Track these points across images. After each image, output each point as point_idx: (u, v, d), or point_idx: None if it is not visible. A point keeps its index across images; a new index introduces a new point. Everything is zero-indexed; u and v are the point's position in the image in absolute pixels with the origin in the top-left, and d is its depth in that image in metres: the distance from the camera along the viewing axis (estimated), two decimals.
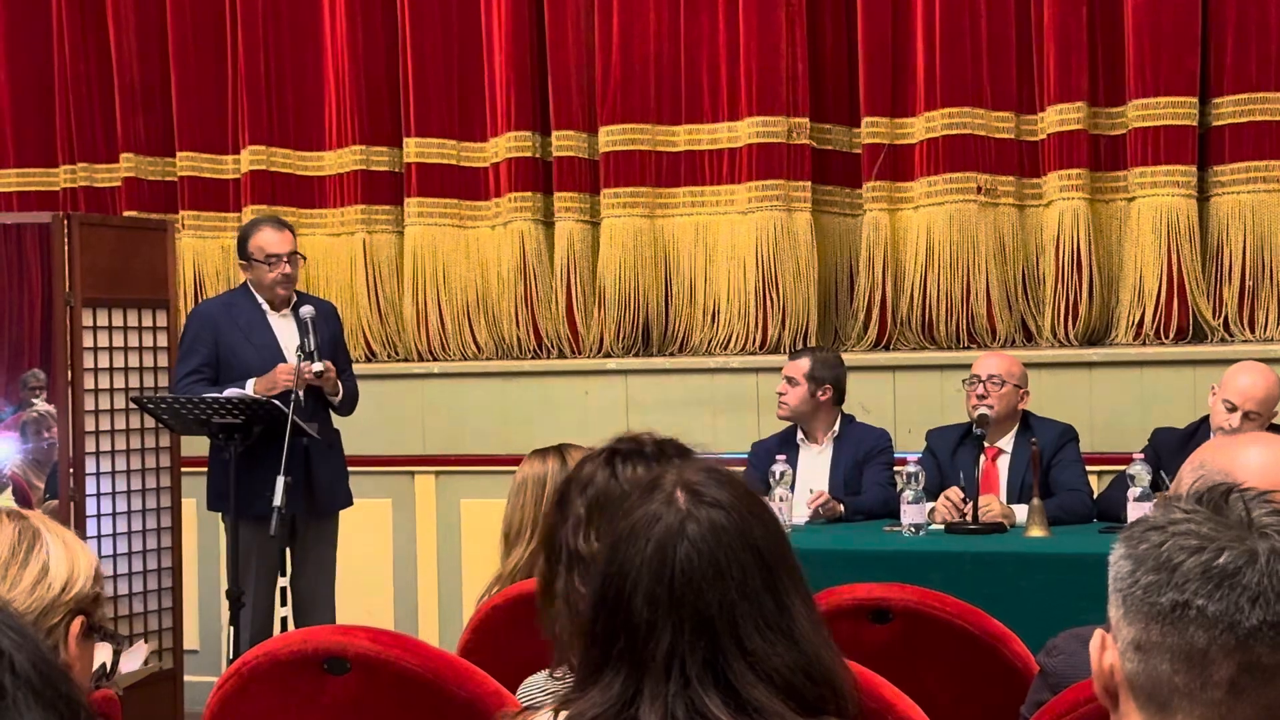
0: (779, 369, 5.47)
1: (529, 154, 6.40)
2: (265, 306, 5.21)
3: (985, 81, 5.91)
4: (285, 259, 5.16)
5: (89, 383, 5.40)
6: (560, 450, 3.30)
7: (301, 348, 5.02)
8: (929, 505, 4.77)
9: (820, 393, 5.26)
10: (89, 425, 5.39)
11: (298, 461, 4.93)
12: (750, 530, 1.59)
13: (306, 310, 5.10)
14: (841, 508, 5.06)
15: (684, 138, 6.30)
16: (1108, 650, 1.30)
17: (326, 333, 5.22)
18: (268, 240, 5.17)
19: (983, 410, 4.94)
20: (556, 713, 1.65)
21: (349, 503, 5.34)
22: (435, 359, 6.49)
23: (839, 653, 1.61)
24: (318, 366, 5.02)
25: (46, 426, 6.80)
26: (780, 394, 5.30)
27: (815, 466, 5.28)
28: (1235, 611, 1.21)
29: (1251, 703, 1.22)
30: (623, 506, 1.66)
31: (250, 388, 5.03)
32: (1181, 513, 1.28)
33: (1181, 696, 1.24)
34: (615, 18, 6.26)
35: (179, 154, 6.84)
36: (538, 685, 2.21)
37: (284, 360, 5.11)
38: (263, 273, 5.16)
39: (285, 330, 5.18)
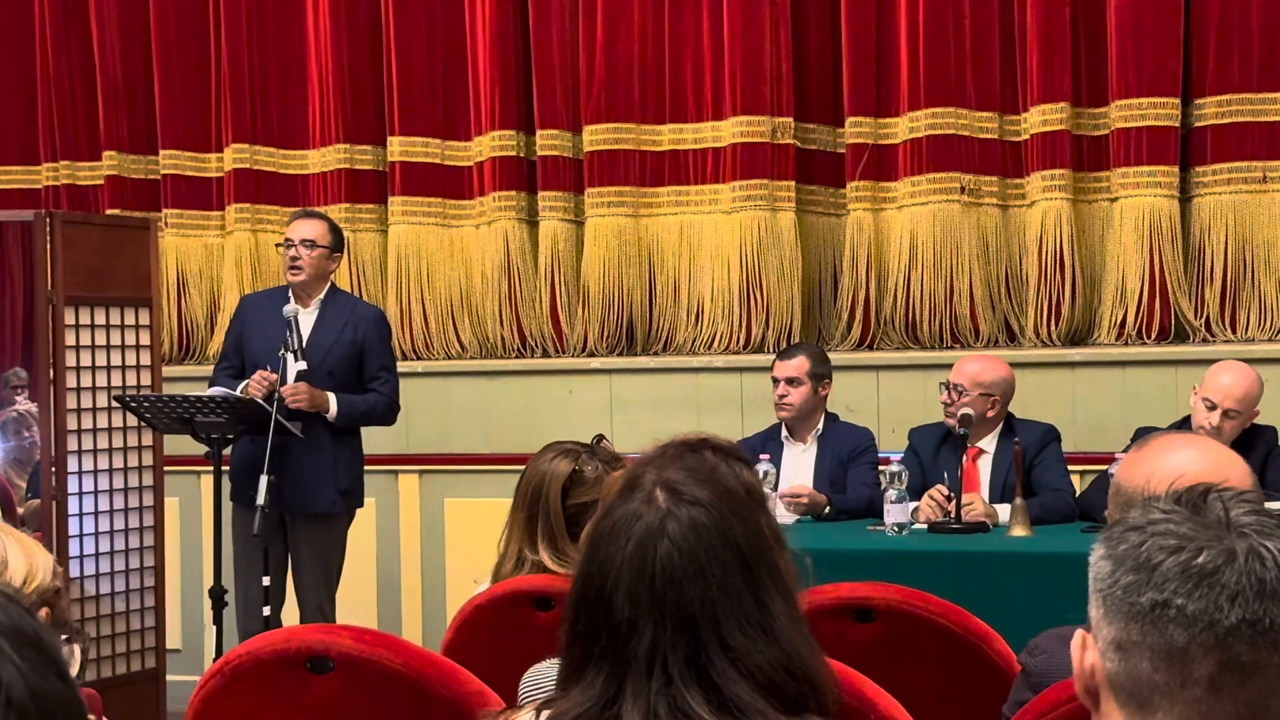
0: (763, 368, 5.47)
1: (513, 153, 6.40)
2: (293, 300, 5.19)
3: (969, 81, 5.92)
4: (296, 244, 5.15)
5: (71, 381, 5.38)
6: (571, 450, 3.18)
7: (286, 344, 5.01)
8: (912, 505, 4.78)
9: (821, 388, 5.27)
10: (71, 424, 5.37)
11: (277, 458, 4.92)
12: (730, 528, 1.59)
13: (290, 309, 5.10)
14: (823, 497, 5.05)
15: (668, 137, 6.30)
16: (1088, 650, 1.31)
17: (346, 336, 5.20)
18: (288, 228, 5.21)
19: (964, 410, 4.95)
20: (539, 712, 1.65)
21: (334, 506, 5.20)
22: (419, 358, 6.49)
23: (819, 650, 1.61)
24: (301, 365, 5.00)
25: (26, 425, 6.79)
26: (782, 396, 5.23)
27: (800, 465, 5.28)
28: (1214, 610, 1.22)
29: (1231, 700, 1.23)
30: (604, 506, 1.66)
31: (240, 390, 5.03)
32: (1160, 513, 1.28)
33: (1162, 695, 1.25)
34: (599, 17, 6.26)
35: (162, 152, 6.83)
36: (545, 674, 2.19)
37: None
38: (281, 260, 5.18)
39: (304, 326, 5.17)
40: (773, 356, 5.46)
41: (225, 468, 5.14)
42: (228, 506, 5.17)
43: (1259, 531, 1.25)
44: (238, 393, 5.00)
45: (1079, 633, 1.33)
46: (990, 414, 5.03)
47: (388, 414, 5.34)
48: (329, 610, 5.20)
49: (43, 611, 1.75)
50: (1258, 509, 1.28)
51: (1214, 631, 1.22)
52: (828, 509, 5.04)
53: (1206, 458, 2.00)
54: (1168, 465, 1.95)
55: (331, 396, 5.13)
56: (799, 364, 5.25)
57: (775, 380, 5.28)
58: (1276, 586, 1.22)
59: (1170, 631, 1.23)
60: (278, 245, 5.22)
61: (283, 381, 5.00)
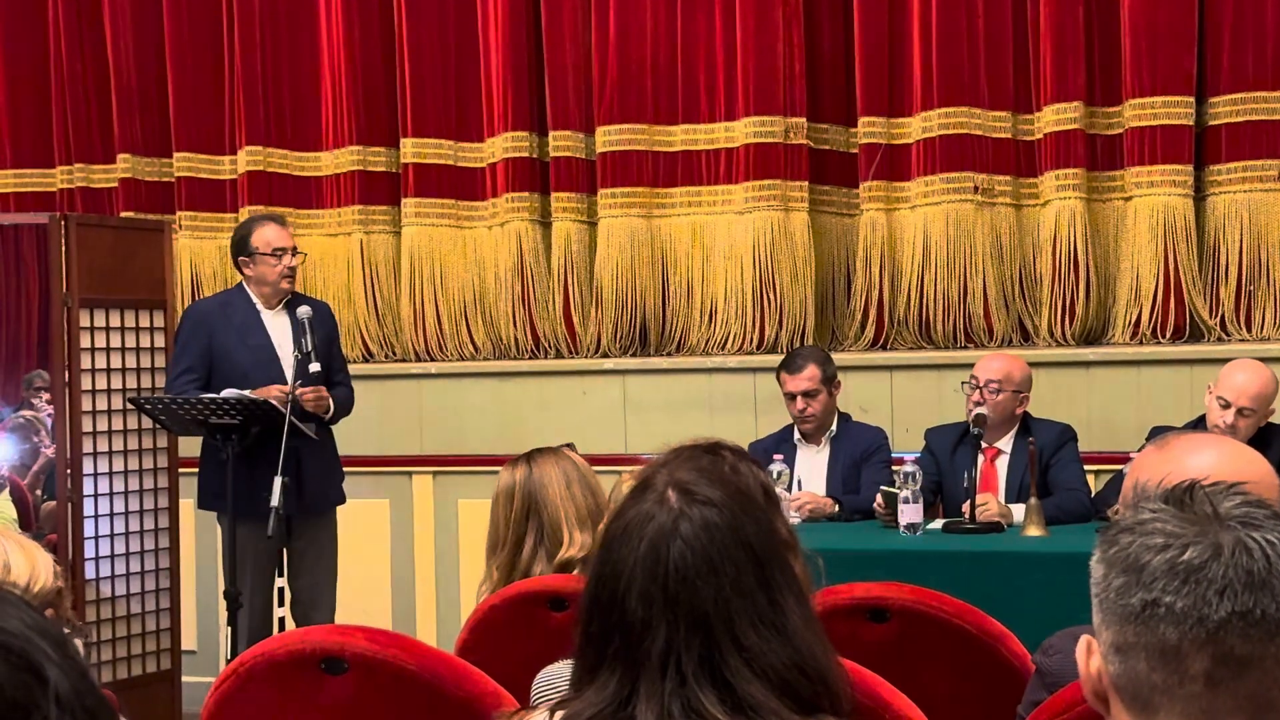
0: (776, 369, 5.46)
1: (526, 154, 6.40)
2: (260, 306, 5.20)
3: (982, 81, 5.91)
4: (291, 253, 5.17)
5: (86, 383, 5.40)
6: (529, 458, 3.29)
7: (299, 348, 5.01)
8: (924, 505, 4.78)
9: (834, 390, 5.27)
10: (86, 426, 5.39)
11: (291, 460, 4.93)
12: (743, 527, 1.59)
13: (304, 311, 5.09)
14: (831, 503, 5.05)
15: (681, 138, 6.30)
16: (1094, 655, 1.31)
17: (321, 333, 5.21)
18: (273, 235, 5.18)
19: (979, 411, 4.94)
20: (552, 713, 1.65)
21: (341, 500, 5.29)
22: (433, 359, 6.49)
23: (832, 650, 1.61)
24: (315, 366, 5.01)
25: (34, 431, 6.83)
26: (803, 410, 5.21)
27: (814, 466, 5.28)
28: (1203, 605, 1.22)
29: (1230, 694, 1.22)
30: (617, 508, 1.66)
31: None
32: (1149, 513, 1.28)
33: (1161, 694, 1.24)
34: (612, 18, 6.26)
35: (176, 155, 6.84)
36: (559, 674, 2.19)
37: (278, 361, 5.11)
38: (268, 267, 5.13)
39: (280, 330, 5.16)
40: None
41: (232, 470, 5.13)
42: None
43: (1245, 523, 1.24)
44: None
45: (1084, 638, 1.33)
46: (1018, 411, 5.07)
47: (349, 408, 5.35)
48: (332, 605, 5.22)
49: (48, 612, 1.77)
50: (1249, 500, 1.27)
51: (1204, 626, 1.22)
52: (837, 509, 5.04)
53: (1228, 458, 1.96)
54: (1188, 466, 1.91)
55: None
56: (811, 374, 5.22)
57: (790, 395, 5.25)
58: (1266, 577, 1.22)
59: (1162, 630, 1.23)
60: (268, 253, 5.15)
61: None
